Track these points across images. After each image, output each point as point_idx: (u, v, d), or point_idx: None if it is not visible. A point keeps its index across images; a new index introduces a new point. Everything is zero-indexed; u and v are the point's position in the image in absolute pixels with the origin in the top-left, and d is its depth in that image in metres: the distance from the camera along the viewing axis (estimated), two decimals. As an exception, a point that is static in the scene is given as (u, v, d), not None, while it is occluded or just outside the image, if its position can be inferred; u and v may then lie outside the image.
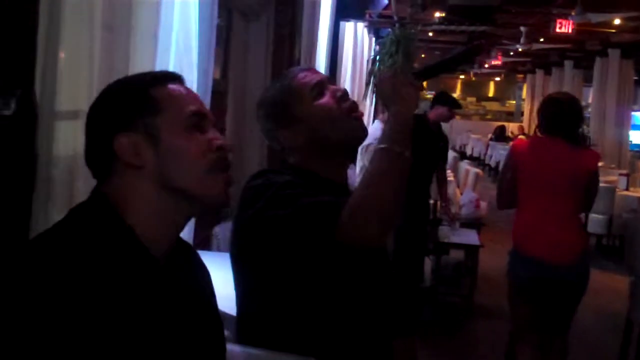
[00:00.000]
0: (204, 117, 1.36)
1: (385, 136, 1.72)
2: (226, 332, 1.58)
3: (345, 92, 1.89)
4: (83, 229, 1.23)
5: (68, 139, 1.75)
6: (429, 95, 6.44)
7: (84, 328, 1.09)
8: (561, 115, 3.87)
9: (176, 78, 1.40)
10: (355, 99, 3.21)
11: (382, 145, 1.69)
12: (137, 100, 1.32)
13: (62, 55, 1.73)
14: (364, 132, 1.89)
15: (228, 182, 1.36)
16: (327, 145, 1.85)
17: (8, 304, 1.09)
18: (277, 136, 1.90)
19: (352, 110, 1.86)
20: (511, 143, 4.05)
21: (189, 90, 1.40)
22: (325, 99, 1.85)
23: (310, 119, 1.84)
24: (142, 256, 1.27)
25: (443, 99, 6.13)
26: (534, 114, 4.29)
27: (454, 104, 6.16)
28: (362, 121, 1.90)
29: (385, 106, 1.81)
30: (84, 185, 1.75)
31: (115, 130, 1.29)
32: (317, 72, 1.95)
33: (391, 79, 1.81)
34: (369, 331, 1.82)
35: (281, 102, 1.88)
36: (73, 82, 1.76)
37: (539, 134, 4.03)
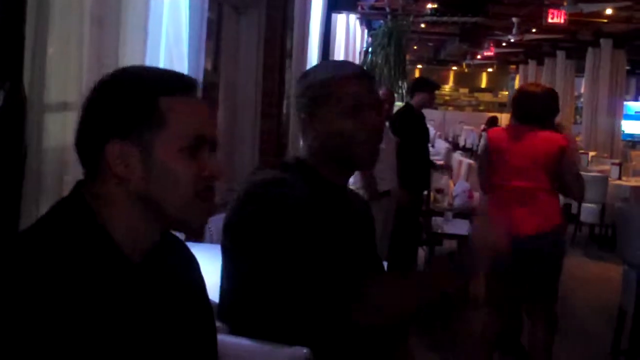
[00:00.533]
0: (206, 141, 1.28)
1: (420, 286, 1.83)
2: (219, 323, 1.58)
3: (378, 126, 1.84)
4: (60, 230, 1.20)
5: (57, 131, 1.74)
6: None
7: (52, 326, 1.09)
8: (533, 107, 4.04)
9: (193, 87, 1.31)
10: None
11: (423, 290, 1.81)
12: (143, 107, 1.24)
13: (51, 48, 1.73)
14: (372, 163, 1.88)
15: (210, 212, 1.31)
16: (335, 157, 1.84)
17: None
18: (301, 118, 1.88)
19: (366, 142, 1.82)
20: (488, 132, 4.30)
21: (201, 107, 1.31)
22: (353, 122, 1.80)
23: (328, 126, 1.81)
24: (115, 257, 1.23)
25: (421, 84, 6.17)
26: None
27: (433, 87, 6.21)
28: (377, 153, 1.87)
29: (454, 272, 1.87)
30: (74, 177, 1.74)
31: (111, 135, 1.22)
32: (370, 88, 1.86)
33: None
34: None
35: (317, 93, 1.83)
36: (62, 75, 1.75)
37: (513, 122, 4.26)
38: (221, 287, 1.85)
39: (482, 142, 4.32)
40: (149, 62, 2.11)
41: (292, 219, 1.69)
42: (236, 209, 1.77)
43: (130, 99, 1.24)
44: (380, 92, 5.91)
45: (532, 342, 4.13)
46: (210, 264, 1.63)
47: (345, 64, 1.97)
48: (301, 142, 1.92)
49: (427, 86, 6.18)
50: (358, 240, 1.91)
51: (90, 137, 1.25)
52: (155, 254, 1.32)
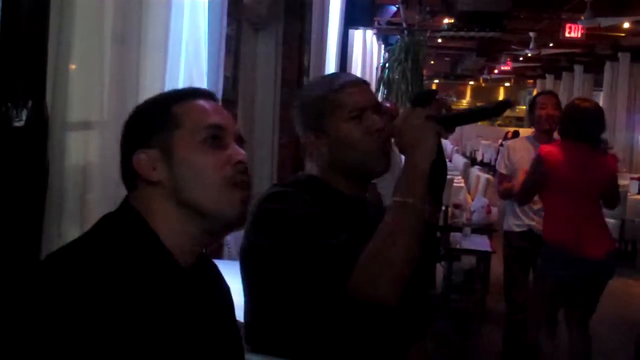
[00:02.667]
0: (223, 130, 1.34)
1: (401, 186, 1.66)
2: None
3: (382, 127, 1.81)
4: (113, 237, 1.26)
5: (79, 150, 1.75)
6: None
7: (110, 332, 1.12)
8: (589, 124, 4.01)
9: (204, 94, 1.40)
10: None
11: (398, 198, 1.64)
12: (158, 116, 1.33)
13: (72, 66, 1.74)
14: (384, 169, 1.84)
15: (245, 200, 1.34)
16: (345, 168, 1.83)
17: (36, 311, 1.11)
18: (305, 137, 1.87)
19: (378, 148, 1.80)
20: (540, 150, 4.16)
21: (214, 105, 1.39)
22: (357, 127, 1.79)
23: (335, 138, 1.81)
24: (170, 264, 1.29)
25: (426, 97, 6.20)
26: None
27: (435, 95, 6.27)
28: (387, 157, 1.83)
29: (402, 152, 1.72)
30: (96, 196, 1.76)
31: (135, 147, 1.31)
32: (367, 93, 1.87)
33: (414, 122, 1.70)
34: (382, 339, 1.81)
35: (316, 107, 1.83)
36: (84, 93, 1.77)
37: (559, 138, 4.20)
38: (245, 307, 1.85)
39: (535, 159, 4.19)
40: (168, 79, 2.12)
41: (303, 229, 1.68)
42: (248, 231, 1.77)
43: (147, 112, 1.36)
44: (388, 104, 5.93)
45: (572, 352, 4.21)
46: (228, 279, 1.63)
47: (337, 75, 1.96)
48: (308, 165, 1.90)
49: (430, 96, 6.22)
50: None
51: (122, 154, 1.34)
52: (198, 270, 1.38)
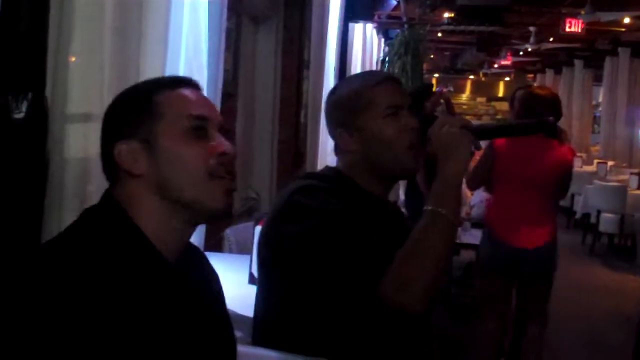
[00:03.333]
0: (207, 121, 1.32)
1: (434, 196, 1.67)
2: (238, 334, 1.58)
3: (417, 128, 1.80)
4: (95, 232, 1.24)
5: (79, 142, 1.75)
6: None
7: (96, 328, 1.10)
8: (541, 111, 3.91)
9: (187, 83, 1.37)
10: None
11: (430, 207, 1.64)
12: (139, 106, 1.30)
13: (73, 58, 1.74)
14: (414, 169, 1.84)
15: (228, 191, 1.32)
16: (375, 165, 1.82)
17: (21, 306, 1.10)
18: (336, 133, 1.86)
19: (411, 147, 1.79)
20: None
21: (197, 95, 1.36)
22: (392, 125, 1.79)
23: (368, 134, 1.80)
24: (154, 258, 1.27)
25: (424, 92, 6.21)
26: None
27: (431, 88, 6.34)
28: (417, 156, 1.82)
29: (436, 160, 1.71)
30: (96, 188, 1.75)
31: (116, 138, 1.29)
32: (402, 92, 1.86)
33: (450, 131, 1.69)
34: (401, 342, 1.80)
35: (350, 103, 1.82)
36: (84, 86, 1.76)
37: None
38: (262, 301, 1.84)
39: (486, 144, 4.23)
40: (168, 72, 2.12)
41: (336, 228, 1.67)
42: (276, 221, 1.76)
43: (127, 102, 1.33)
44: None
45: (528, 337, 4.22)
46: (228, 273, 1.63)
47: (372, 72, 1.94)
48: (336, 159, 1.89)
49: (429, 89, 6.25)
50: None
51: (102, 146, 1.32)
52: (185, 258, 1.36)
